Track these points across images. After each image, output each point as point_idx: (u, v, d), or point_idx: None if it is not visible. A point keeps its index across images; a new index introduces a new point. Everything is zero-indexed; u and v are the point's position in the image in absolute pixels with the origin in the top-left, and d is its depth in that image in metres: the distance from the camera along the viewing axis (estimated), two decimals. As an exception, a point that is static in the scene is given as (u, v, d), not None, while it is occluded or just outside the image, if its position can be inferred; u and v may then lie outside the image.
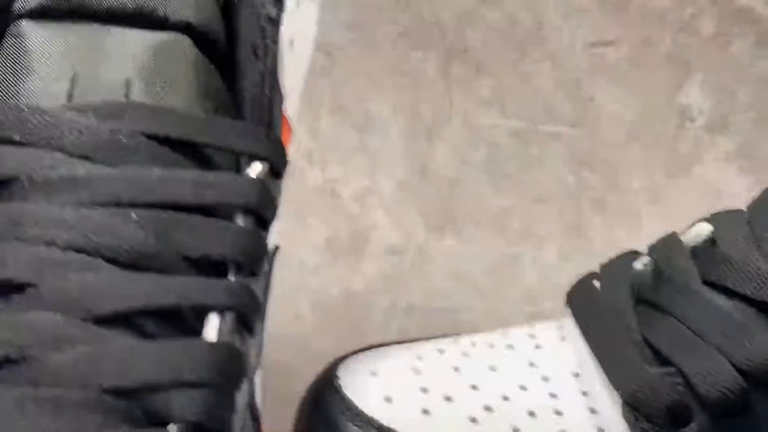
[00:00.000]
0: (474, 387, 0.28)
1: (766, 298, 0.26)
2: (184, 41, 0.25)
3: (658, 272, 0.29)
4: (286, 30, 0.26)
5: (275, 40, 0.25)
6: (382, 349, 0.30)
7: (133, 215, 0.22)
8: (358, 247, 0.46)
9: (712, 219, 0.30)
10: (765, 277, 0.27)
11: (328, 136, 0.47)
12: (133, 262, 0.22)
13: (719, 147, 0.48)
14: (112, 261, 0.22)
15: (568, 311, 0.30)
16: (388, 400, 0.28)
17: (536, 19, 0.47)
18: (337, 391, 0.28)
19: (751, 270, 0.27)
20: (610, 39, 0.47)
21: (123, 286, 0.21)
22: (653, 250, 0.30)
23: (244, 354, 0.22)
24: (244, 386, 0.22)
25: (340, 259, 0.46)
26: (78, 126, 0.23)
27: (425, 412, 0.27)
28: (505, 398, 0.28)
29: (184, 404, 0.20)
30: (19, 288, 0.21)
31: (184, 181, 0.23)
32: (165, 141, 0.23)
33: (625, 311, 0.28)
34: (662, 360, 0.27)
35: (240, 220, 0.24)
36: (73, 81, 0.24)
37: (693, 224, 0.30)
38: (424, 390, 0.28)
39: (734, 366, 0.26)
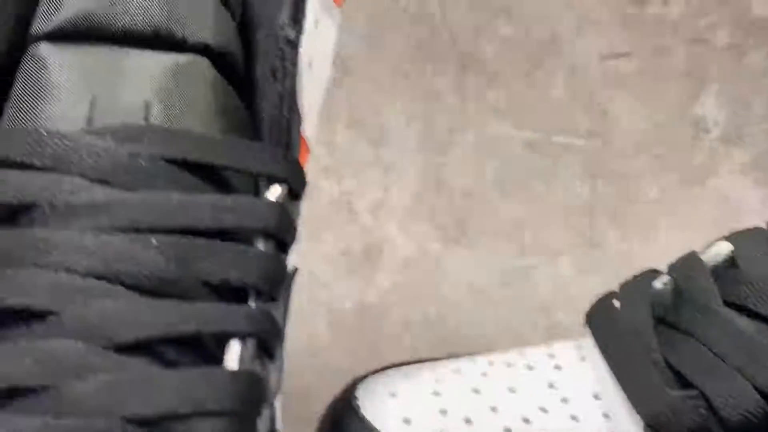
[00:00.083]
0: (493, 409, 0.28)
1: (788, 320, 0.26)
2: (203, 63, 0.25)
3: (677, 291, 0.29)
4: (304, 51, 0.25)
5: (294, 62, 0.25)
6: (400, 369, 0.30)
7: (153, 241, 0.22)
8: (372, 259, 0.46)
9: (731, 238, 0.30)
10: (786, 297, 0.26)
11: (342, 149, 0.46)
12: (153, 289, 0.22)
13: (734, 158, 0.47)
14: (133, 288, 0.21)
15: (587, 330, 0.30)
16: (407, 422, 0.28)
17: (550, 30, 0.47)
18: (355, 412, 0.28)
19: (772, 290, 0.27)
20: (625, 51, 0.47)
21: (144, 314, 0.21)
22: (673, 268, 0.30)
23: (265, 380, 0.22)
24: (266, 412, 0.22)
25: (354, 272, 0.46)
26: (97, 150, 0.23)
27: (444, 433, 0.27)
28: (526, 420, 0.28)
29: (207, 433, 0.20)
30: (40, 315, 0.21)
31: (204, 205, 0.23)
32: (184, 164, 0.23)
33: (646, 332, 0.28)
34: (684, 382, 0.27)
35: (260, 244, 0.23)
36: (92, 104, 0.24)
37: (712, 243, 0.30)
38: (443, 412, 0.28)
39: (756, 389, 0.26)
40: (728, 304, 0.28)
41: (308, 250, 0.46)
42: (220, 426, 0.20)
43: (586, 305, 0.46)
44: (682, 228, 0.47)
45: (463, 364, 0.30)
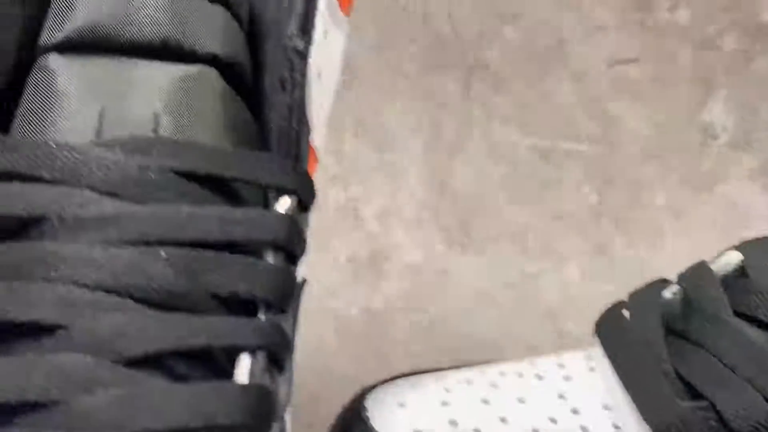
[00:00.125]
0: (503, 420, 0.28)
1: (799, 330, 0.26)
2: (211, 73, 0.25)
3: (687, 301, 0.29)
4: (313, 62, 0.25)
5: (303, 73, 0.25)
6: (409, 378, 0.30)
7: (162, 253, 0.22)
8: (378, 265, 0.46)
9: (741, 247, 0.29)
10: (797, 308, 0.26)
11: (349, 155, 0.46)
12: (163, 302, 0.22)
13: (742, 164, 0.47)
14: (142, 301, 0.21)
15: (596, 340, 0.30)
16: (416, 432, 0.28)
17: (557, 36, 0.47)
18: (364, 422, 0.28)
19: (782, 301, 0.27)
20: (632, 56, 0.47)
21: (153, 327, 0.21)
22: (682, 278, 0.30)
23: (275, 393, 0.22)
24: (276, 426, 0.22)
25: (361, 278, 0.46)
26: (106, 162, 0.23)
27: (453, 444, 0.27)
28: (536, 431, 0.27)
29: (217, 448, 0.20)
30: (49, 329, 0.21)
31: (213, 217, 0.23)
32: (193, 176, 0.23)
33: (656, 342, 0.28)
34: (694, 393, 0.27)
35: (269, 257, 0.23)
36: (101, 116, 0.24)
37: (722, 253, 0.30)
38: (453, 423, 0.28)
39: (767, 400, 0.26)
40: (738, 314, 0.28)
41: (315, 256, 0.46)
42: (231, 440, 0.20)
43: (592, 311, 0.46)
44: (689, 234, 0.47)
45: (472, 374, 0.30)
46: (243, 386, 0.21)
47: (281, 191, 0.25)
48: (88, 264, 0.21)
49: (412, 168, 0.47)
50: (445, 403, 0.28)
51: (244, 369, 0.21)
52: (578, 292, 0.46)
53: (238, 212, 0.23)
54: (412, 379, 0.30)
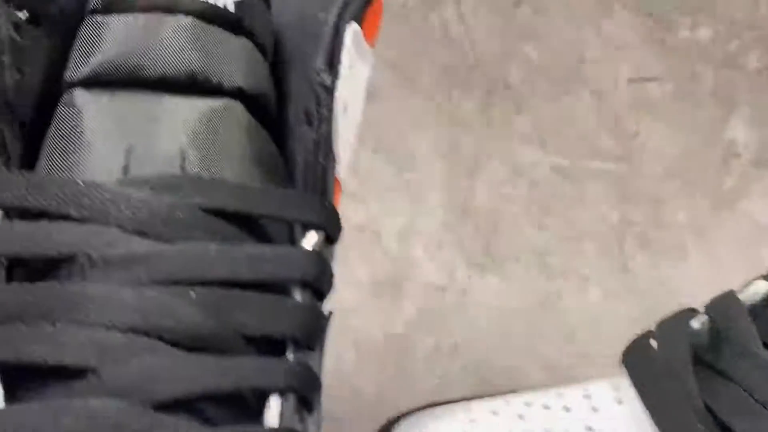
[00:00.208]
0: (531, 454, 0.28)
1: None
2: (237, 107, 0.25)
3: (715, 332, 0.29)
4: (339, 96, 0.25)
5: (330, 108, 0.25)
6: (434, 410, 0.30)
7: (192, 294, 0.22)
8: (398, 286, 0.46)
9: (770, 276, 0.29)
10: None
11: (368, 174, 0.46)
12: (192, 343, 0.21)
13: (765, 182, 0.47)
14: (172, 343, 0.21)
15: (624, 370, 0.30)
16: (443, 464, 0.27)
17: (578, 55, 0.46)
18: (391, 454, 0.28)
19: (813, 332, 0.26)
20: (653, 74, 0.47)
21: (183, 370, 0.21)
22: (710, 308, 0.30)
23: (304, 434, 0.22)
24: (305, 467, 0.22)
25: (381, 299, 0.46)
26: (134, 201, 0.23)
27: (480, 477, 0.27)
28: (564, 465, 0.27)
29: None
30: (79, 372, 0.21)
31: (241, 256, 0.23)
32: (221, 214, 0.23)
33: (685, 375, 0.28)
34: (724, 428, 0.26)
35: (297, 295, 0.23)
36: (128, 153, 0.24)
37: (750, 282, 0.30)
38: (481, 457, 0.28)
39: (799, 435, 0.25)
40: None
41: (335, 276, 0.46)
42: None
43: (615, 332, 0.46)
44: (712, 252, 0.47)
45: (497, 404, 0.30)
46: (273, 430, 0.21)
47: (308, 226, 0.25)
48: (118, 305, 0.21)
49: (432, 187, 0.47)
50: (471, 436, 0.28)
51: (274, 411, 0.21)
52: (600, 312, 0.46)
53: (266, 250, 0.23)
54: (438, 410, 0.30)
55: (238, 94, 0.25)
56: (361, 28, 0.26)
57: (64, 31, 0.26)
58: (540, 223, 0.47)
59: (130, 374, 0.21)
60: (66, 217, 0.22)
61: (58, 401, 0.20)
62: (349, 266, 0.46)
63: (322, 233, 0.25)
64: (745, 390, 0.26)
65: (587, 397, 0.29)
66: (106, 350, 0.21)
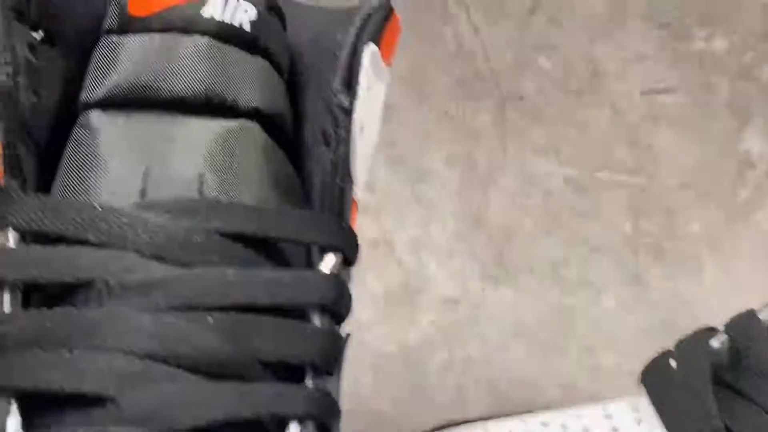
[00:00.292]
0: (550, 476, 0.27)
1: None
2: (254, 128, 0.25)
3: (735, 351, 0.28)
4: (357, 117, 0.25)
5: (348, 129, 0.25)
6: (450, 430, 0.30)
7: (210, 319, 0.22)
8: (412, 299, 0.46)
9: (790, 295, 0.29)
10: None
11: (381, 187, 0.46)
12: (211, 370, 0.21)
13: (780, 194, 0.47)
14: (191, 369, 0.21)
15: (643, 390, 0.29)
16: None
17: (592, 66, 0.46)
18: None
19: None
20: (668, 85, 0.46)
21: (202, 397, 0.21)
22: (730, 327, 0.29)
23: (324, 462, 0.22)
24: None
25: (395, 312, 0.45)
26: (152, 226, 0.22)
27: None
28: (583, 488, 0.27)
29: None
30: (97, 401, 0.21)
31: (259, 281, 0.22)
32: (238, 238, 0.23)
33: (704, 395, 0.27)
34: (745, 450, 0.26)
35: (316, 319, 0.23)
36: (145, 176, 0.23)
37: (770, 302, 0.29)
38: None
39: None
40: (789, 366, 0.27)
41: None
42: None
43: (629, 344, 0.46)
44: (726, 264, 0.46)
45: (514, 424, 0.30)
46: (293, 458, 0.21)
47: (326, 248, 0.24)
48: (136, 332, 0.21)
49: (446, 199, 0.46)
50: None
51: (293, 439, 0.21)
52: (615, 324, 0.45)
53: (284, 274, 0.23)
54: (453, 429, 0.30)
55: (254, 114, 0.25)
56: (379, 47, 0.26)
57: (79, 51, 0.26)
58: (554, 235, 0.46)
59: (149, 402, 0.20)
60: (83, 242, 0.22)
61: (77, 430, 0.20)
62: (362, 279, 0.46)
63: (339, 255, 0.24)
64: (766, 411, 0.26)
65: (607, 417, 0.29)
66: (124, 377, 0.21)
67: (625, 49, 0.46)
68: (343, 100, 0.25)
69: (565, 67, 0.46)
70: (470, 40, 0.46)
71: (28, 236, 0.23)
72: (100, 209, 0.22)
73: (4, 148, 0.23)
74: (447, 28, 0.46)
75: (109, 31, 0.25)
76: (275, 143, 0.26)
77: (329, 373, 0.23)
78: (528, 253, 0.46)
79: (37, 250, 0.22)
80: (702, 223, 0.47)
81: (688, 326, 0.45)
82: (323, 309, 0.23)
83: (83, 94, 0.25)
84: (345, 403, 0.43)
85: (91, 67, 0.25)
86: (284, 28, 0.27)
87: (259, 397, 0.21)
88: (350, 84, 0.25)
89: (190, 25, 0.25)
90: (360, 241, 0.47)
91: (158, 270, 0.22)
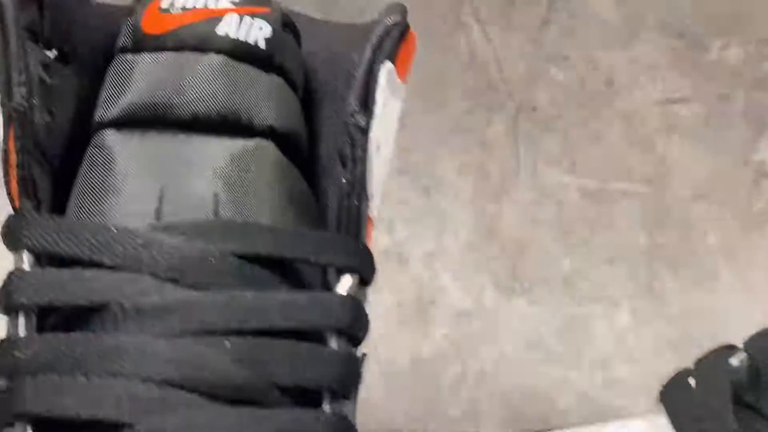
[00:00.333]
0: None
1: None
2: (268, 147, 0.25)
3: (754, 369, 0.28)
4: (373, 136, 0.25)
5: (365, 149, 0.25)
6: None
7: (227, 344, 0.22)
8: (425, 311, 0.45)
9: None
10: None
11: (395, 198, 0.46)
12: (227, 395, 0.21)
13: (796, 204, 0.46)
14: (208, 395, 0.21)
15: (662, 409, 0.29)
16: None
17: (606, 76, 0.46)
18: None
19: None
20: (683, 96, 0.46)
21: (219, 424, 0.21)
22: (749, 345, 0.29)
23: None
24: None
25: (407, 324, 0.45)
26: (167, 248, 0.22)
27: None
28: None
29: None
30: (114, 428, 0.20)
31: (275, 304, 0.22)
32: (254, 259, 0.23)
33: (725, 415, 0.27)
34: (767, 472, 0.26)
35: (333, 342, 0.23)
36: (161, 197, 0.23)
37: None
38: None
39: None
40: (810, 385, 0.27)
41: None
42: None
43: (645, 357, 0.45)
44: (742, 275, 0.46)
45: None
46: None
47: (342, 269, 0.24)
48: (152, 357, 0.21)
49: (459, 210, 0.46)
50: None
51: (311, 465, 0.21)
52: (630, 336, 0.45)
53: (301, 297, 0.23)
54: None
55: (269, 132, 0.25)
56: (395, 65, 0.26)
57: (93, 70, 0.26)
58: (568, 246, 0.46)
59: (167, 429, 0.20)
60: (98, 264, 0.22)
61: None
62: (375, 291, 0.45)
63: (356, 276, 0.24)
64: (788, 433, 0.26)
65: (626, 436, 0.29)
66: (140, 404, 0.20)
67: (639, 60, 0.46)
68: (360, 120, 0.24)
69: (579, 78, 0.46)
70: (483, 51, 0.46)
71: (43, 258, 0.23)
72: (115, 231, 0.22)
73: (18, 169, 0.23)
74: (460, 38, 0.46)
75: (124, 49, 0.25)
76: (290, 161, 0.25)
77: (346, 398, 0.23)
78: (542, 265, 0.46)
79: (52, 273, 0.22)
80: (718, 234, 0.46)
81: (704, 338, 0.44)
82: (340, 332, 0.23)
83: (97, 113, 0.25)
84: (357, 416, 0.43)
85: (105, 85, 0.25)
86: (299, 44, 0.27)
87: (277, 422, 0.21)
88: (367, 103, 0.25)
89: (204, 43, 0.25)
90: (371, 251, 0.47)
91: (174, 293, 0.22)
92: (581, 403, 0.43)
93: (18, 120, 0.23)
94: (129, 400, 0.20)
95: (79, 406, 0.20)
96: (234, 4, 0.25)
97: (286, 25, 0.26)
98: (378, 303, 0.45)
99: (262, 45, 0.25)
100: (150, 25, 0.25)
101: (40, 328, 0.22)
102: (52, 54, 0.25)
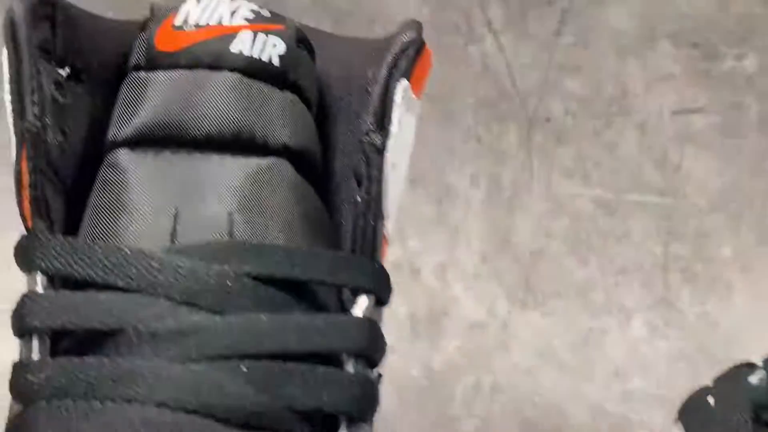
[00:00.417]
0: None
1: None
2: (283, 165, 0.25)
3: (775, 388, 0.28)
4: (389, 155, 0.25)
5: (380, 168, 0.24)
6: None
7: (243, 368, 0.21)
8: (438, 323, 0.45)
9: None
10: None
11: (406, 209, 0.46)
12: (243, 421, 0.21)
13: (812, 215, 0.46)
14: (224, 421, 0.21)
15: (681, 427, 0.29)
16: None
17: (620, 86, 0.46)
18: None
19: None
20: (698, 106, 0.46)
21: (236, 450, 0.20)
22: (769, 363, 0.29)
23: None
24: None
25: (420, 336, 0.45)
26: (183, 271, 0.22)
27: None
28: None
29: None
30: (130, 454, 0.20)
31: (291, 327, 0.22)
32: (270, 281, 0.23)
33: (745, 435, 0.27)
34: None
35: (350, 366, 0.23)
36: (176, 218, 0.23)
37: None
38: None
39: None
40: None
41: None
42: None
43: (660, 368, 0.45)
44: (758, 287, 0.46)
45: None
46: None
47: (358, 290, 0.24)
48: (168, 382, 0.21)
49: (472, 221, 0.46)
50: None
51: (328, 492, 0.21)
52: (645, 348, 0.45)
53: (317, 319, 0.22)
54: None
55: (283, 150, 0.25)
56: (410, 81, 0.25)
57: (106, 88, 0.25)
58: (582, 258, 0.46)
59: (182, 456, 0.20)
60: (112, 287, 0.22)
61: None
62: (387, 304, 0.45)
63: (372, 297, 0.24)
64: (810, 454, 0.25)
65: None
66: (155, 429, 0.20)
67: (654, 69, 0.45)
68: (376, 139, 0.24)
69: (592, 88, 0.46)
70: (496, 61, 0.46)
71: (57, 280, 0.22)
72: (129, 252, 0.22)
73: (31, 189, 0.23)
74: (473, 48, 0.46)
75: (137, 67, 0.25)
76: (304, 179, 0.25)
77: (363, 421, 0.23)
78: (555, 277, 0.46)
79: (66, 295, 0.22)
80: (733, 246, 0.46)
81: (718, 349, 0.44)
82: (357, 355, 0.23)
83: (110, 132, 0.24)
84: None
85: (118, 104, 0.25)
86: (313, 60, 0.26)
87: (294, 449, 0.21)
88: (383, 123, 0.24)
89: (218, 61, 0.24)
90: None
91: (189, 317, 0.22)
92: (595, 415, 0.43)
93: (31, 140, 0.23)
94: (143, 426, 0.20)
95: (93, 431, 0.20)
96: (248, 21, 0.25)
97: (301, 41, 0.26)
98: (390, 315, 0.45)
99: (276, 62, 0.25)
100: (163, 42, 0.25)
101: (54, 352, 0.22)
102: (64, 72, 0.25)
